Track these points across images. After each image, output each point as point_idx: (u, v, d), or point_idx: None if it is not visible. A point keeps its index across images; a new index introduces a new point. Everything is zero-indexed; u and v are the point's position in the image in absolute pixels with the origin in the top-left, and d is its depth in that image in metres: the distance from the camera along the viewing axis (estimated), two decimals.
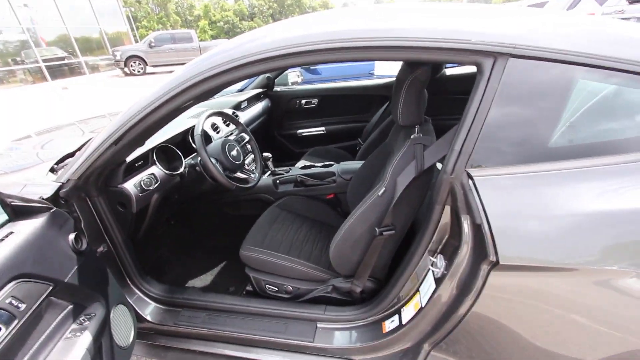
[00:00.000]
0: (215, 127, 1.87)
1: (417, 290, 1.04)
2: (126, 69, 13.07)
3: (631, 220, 0.69)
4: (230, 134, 1.95)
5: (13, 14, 11.31)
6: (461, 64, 0.83)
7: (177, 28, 37.59)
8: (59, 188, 1.06)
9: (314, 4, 72.99)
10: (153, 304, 1.40)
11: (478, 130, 0.80)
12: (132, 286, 1.40)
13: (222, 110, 1.78)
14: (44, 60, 12.31)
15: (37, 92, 10.47)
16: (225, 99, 2.53)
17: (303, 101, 2.96)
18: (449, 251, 0.92)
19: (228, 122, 1.99)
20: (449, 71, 2.77)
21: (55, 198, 1.05)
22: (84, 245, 1.04)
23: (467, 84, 0.96)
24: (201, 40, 18.49)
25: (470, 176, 0.81)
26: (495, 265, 0.74)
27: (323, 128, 3.03)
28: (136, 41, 16.85)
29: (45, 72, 12.33)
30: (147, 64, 13.12)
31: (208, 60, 0.92)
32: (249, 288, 1.51)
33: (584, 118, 0.78)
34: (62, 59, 13.24)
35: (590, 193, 0.72)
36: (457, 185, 0.84)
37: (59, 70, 12.96)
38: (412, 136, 1.10)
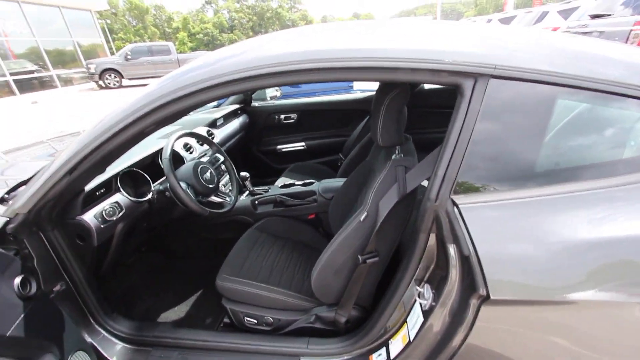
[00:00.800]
0: (188, 148, 1.78)
1: (405, 321, 0.98)
2: (101, 82, 12.69)
3: (625, 248, 0.66)
4: (204, 155, 1.85)
5: None
6: (440, 84, 0.80)
7: (155, 40, 37.21)
8: (5, 224, 0.95)
9: (294, 17, 74.22)
10: (120, 344, 1.27)
11: (461, 155, 0.77)
12: (96, 326, 1.27)
13: (193, 131, 1.69)
14: (12, 74, 11.76)
15: (3, 106, 9.94)
16: (201, 116, 2.44)
17: (282, 116, 2.90)
18: (436, 281, 0.87)
19: (202, 142, 1.90)
20: (427, 85, 2.80)
21: (1, 235, 0.94)
22: (33, 289, 0.92)
23: (446, 96, 0.94)
24: (180, 52, 18.24)
25: (455, 204, 0.76)
26: (486, 299, 0.70)
27: (303, 143, 2.98)
28: (112, 54, 16.44)
29: (13, 85, 11.78)
30: (123, 77, 12.79)
31: (181, 78, 0.85)
32: (226, 320, 1.41)
33: (568, 139, 0.76)
34: (32, 72, 12.70)
35: (581, 220, 0.69)
36: (442, 213, 0.79)
37: (29, 84, 12.41)
38: (392, 157, 1.06)
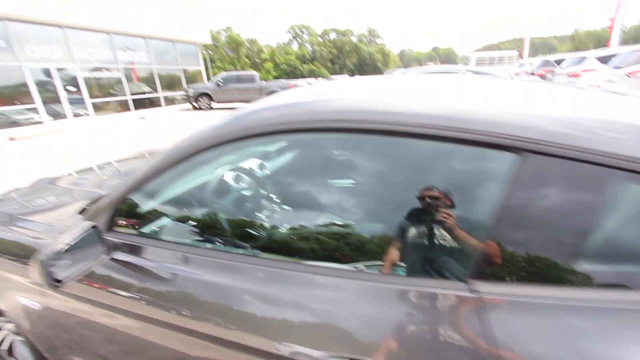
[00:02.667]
0: (238, 179, 1.67)
1: None
2: (195, 104, 14.67)
3: None
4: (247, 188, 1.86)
5: (114, 57, 13.64)
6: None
7: (246, 69, 41.64)
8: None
9: (371, 50, 76.73)
10: None
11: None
12: None
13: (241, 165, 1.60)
14: (132, 94, 14.41)
15: (121, 118, 12.19)
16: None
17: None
18: None
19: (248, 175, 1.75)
20: None
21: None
22: None
23: None
24: (264, 80, 20.17)
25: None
26: None
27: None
28: (208, 80, 19.03)
29: (131, 103, 14.38)
30: (213, 101, 14.61)
31: (257, 115, 0.90)
32: None
33: (623, 234, 0.62)
34: (145, 93, 15.37)
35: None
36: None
37: (141, 102, 15.00)
38: None
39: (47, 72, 11.16)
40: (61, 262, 0.82)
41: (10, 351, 1.58)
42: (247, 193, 1.39)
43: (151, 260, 0.98)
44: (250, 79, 14.75)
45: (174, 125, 10.01)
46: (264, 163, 1.95)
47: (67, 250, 0.84)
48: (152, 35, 15.11)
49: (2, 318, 1.50)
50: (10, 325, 1.50)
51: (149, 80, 15.64)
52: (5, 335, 1.56)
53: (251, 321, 0.79)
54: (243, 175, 1.55)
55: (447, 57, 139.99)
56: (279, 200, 1.12)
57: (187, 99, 14.79)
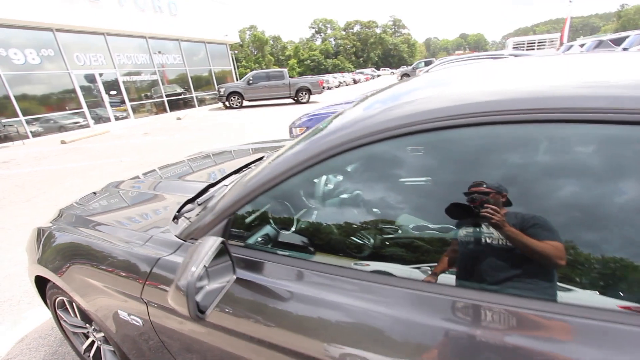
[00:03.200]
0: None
1: None
2: (227, 103, 14.91)
3: None
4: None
5: (150, 60, 14.11)
6: None
7: (271, 67, 42.01)
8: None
9: (396, 40, 74.80)
10: None
11: None
12: None
13: None
14: (167, 96, 14.88)
15: (159, 120, 12.62)
16: None
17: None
18: None
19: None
20: None
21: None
22: None
23: None
24: (291, 76, 20.14)
25: None
26: None
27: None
28: (237, 79, 19.29)
29: (167, 104, 14.85)
30: (244, 99, 14.77)
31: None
32: None
33: None
34: (179, 94, 15.81)
35: None
36: None
37: (176, 104, 15.46)
38: None
39: (92, 78, 11.73)
40: (202, 288, 0.71)
41: (95, 358, 1.56)
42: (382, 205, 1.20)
43: (270, 277, 0.86)
44: (279, 76, 14.76)
45: (212, 125, 10.18)
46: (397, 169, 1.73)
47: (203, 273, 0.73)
48: (185, 37, 15.49)
49: (93, 326, 1.47)
50: (99, 335, 1.47)
51: (183, 82, 16.08)
52: (93, 341, 1.54)
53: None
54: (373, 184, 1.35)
55: (476, 44, 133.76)
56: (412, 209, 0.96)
57: (220, 98, 15.06)
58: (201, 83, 17.33)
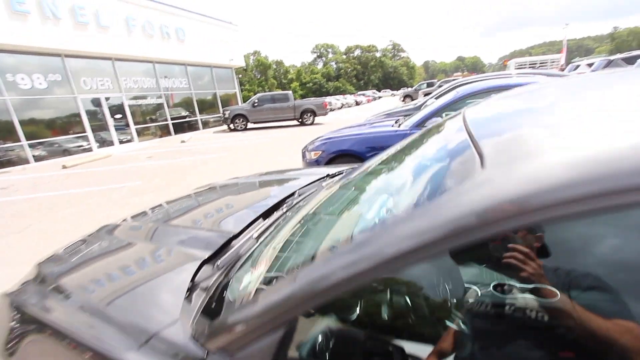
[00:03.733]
0: None
1: None
2: (231, 125, 14.83)
3: None
4: None
5: (156, 84, 14.20)
6: None
7: (274, 90, 42.81)
8: None
9: (396, 64, 76.56)
10: None
11: None
12: None
13: None
14: (172, 119, 14.86)
15: (163, 143, 12.49)
16: None
17: None
18: None
19: None
20: None
21: None
22: None
23: None
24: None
25: None
26: None
27: None
28: (241, 102, 19.41)
29: (171, 127, 14.80)
30: (248, 121, 14.71)
31: None
32: None
33: None
34: (184, 117, 15.80)
35: None
36: None
37: (180, 126, 15.41)
38: None
39: (97, 102, 11.70)
40: None
41: None
42: None
43: None
44: (284, 99, 14.75)
45: (217, 147, 9.99)
46: None
47: None
48: (191, 61, 15.67)
49: None
50: None
51: (188, 105, 16.13)
52: None
53: None
54: None
55: (473, 66, 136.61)
56: None
57: (225, 120, 15.00)
58: (206, 106, 17.39)
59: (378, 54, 74.91)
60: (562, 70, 15.96)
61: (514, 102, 0.87)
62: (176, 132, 14.97)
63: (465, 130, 0.71)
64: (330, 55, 73.65)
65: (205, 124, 17.05)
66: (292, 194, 1.46)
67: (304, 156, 4.13)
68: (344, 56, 72.27)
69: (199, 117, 16.55)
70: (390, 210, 0.65)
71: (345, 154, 3.79)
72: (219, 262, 0.94)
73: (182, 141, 12.69)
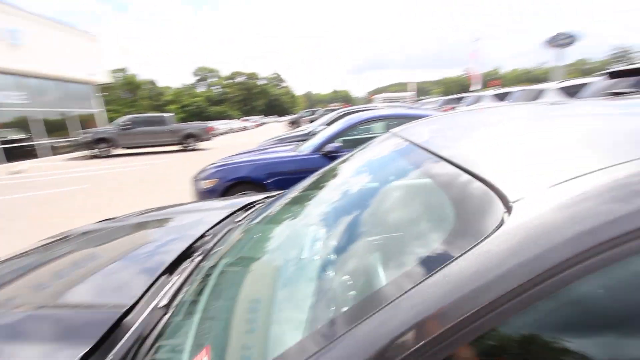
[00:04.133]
0: None
1: None
2: (96, 151, 12.32)
3: None
4: None
5: None
6: None
7: (148, 112, 38.36)
8: None
9: (278, 92, 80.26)
10: None
11: None
12: None
13: None
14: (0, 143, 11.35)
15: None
16: None
17: None
18: None
19: None
20: None
21: None
22: None
23: None
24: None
25: None
26: None
27: None
28: (105, 124, 16.51)
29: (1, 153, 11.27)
30: (116, 146, 12.51)
31: None
32: None
33: None
34: (18, 141, 12.32)
35: None
36: None
37: (13, 153, 11.94)
38: None
39: None
40: None
41: None
42: None
43: None
44: (160, 122, 13.18)
45: (66, 179, 8.01)
46: None
47: None
48: (31, 72, 12.52)
49: None
50: None
51: (26, 125, 12.67)
52: None
53: None
54: None
55: (345, 98, 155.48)
56: None
57: (82, 145, 12.35)
58: (56, 127, 14.06)
59: (260, 82, 77.03)
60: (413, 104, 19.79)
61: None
62: (9, 159, 11.48)
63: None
64: (213, 79, 71.58)
65: (55, 149, 13.71)
66: (202, 236, 1.18)
67: (195, 186, 3.67)
68: (229, 81, 71.43)
69: (45, 140, 13.18)
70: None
71: (244, 181, 3.54)
72: (112, 355, 0.62)
73: (15, 172, 9.75)
